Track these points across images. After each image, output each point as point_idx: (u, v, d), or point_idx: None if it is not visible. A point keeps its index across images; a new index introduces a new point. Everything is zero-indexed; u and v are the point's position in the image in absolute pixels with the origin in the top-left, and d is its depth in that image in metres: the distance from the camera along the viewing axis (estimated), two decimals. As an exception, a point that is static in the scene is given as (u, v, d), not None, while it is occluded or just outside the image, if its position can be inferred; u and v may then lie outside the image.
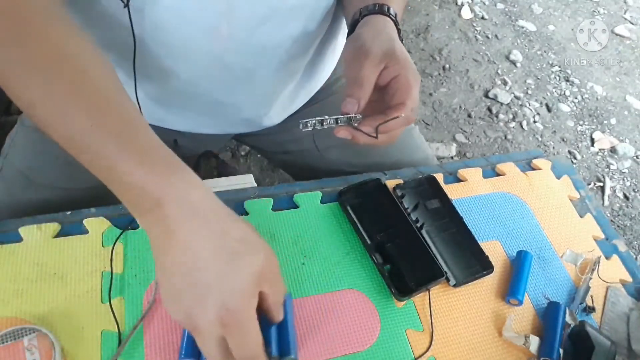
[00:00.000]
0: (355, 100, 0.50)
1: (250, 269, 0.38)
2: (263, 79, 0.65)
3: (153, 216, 0.38)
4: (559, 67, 2.05)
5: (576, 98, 1.95)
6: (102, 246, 0.52)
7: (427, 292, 0.54)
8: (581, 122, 1.88)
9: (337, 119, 0.50)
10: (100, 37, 0.60)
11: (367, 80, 0.50)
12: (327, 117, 0.49)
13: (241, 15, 0.54)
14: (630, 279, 0.61)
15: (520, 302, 0.55)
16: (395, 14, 0.55)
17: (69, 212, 0.55)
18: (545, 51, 2.10)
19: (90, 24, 0.60)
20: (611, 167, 1.77)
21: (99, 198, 0.65)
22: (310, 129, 0.49)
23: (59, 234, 0.53)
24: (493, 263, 0.57)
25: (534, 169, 0.70)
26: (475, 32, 2.12)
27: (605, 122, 1.89)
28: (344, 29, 0.72)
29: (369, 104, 0.51)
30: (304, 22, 0.59)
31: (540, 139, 1.80)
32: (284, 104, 0.74)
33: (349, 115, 0.50)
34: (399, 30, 0.55)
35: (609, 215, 1.64)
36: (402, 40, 0.55)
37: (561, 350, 0.51)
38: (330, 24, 0.66)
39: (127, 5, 0.51)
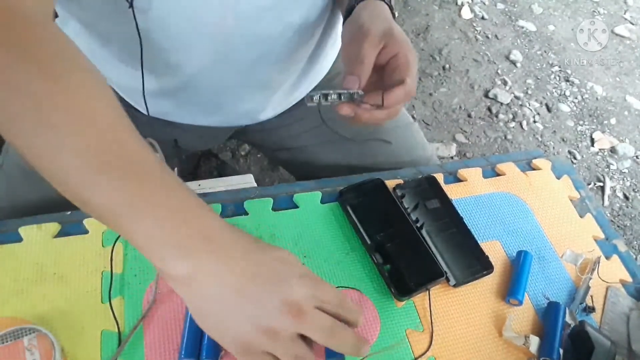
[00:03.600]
0: (356, 78, 0.51)
1: (297, 272, 0.39)
2: (264, 70, 0.65)
3: (179, 269, 0.38)
4: (559, 67, 2.05)
5: (576, 98, 1.95)
6: (102, 246, 0.52)
7: (427, 292, 0.54)
8: (581, 122, 1.88)
9: (340, 94, 0.51)
10: (105, 32, 0.61)
11: (367, 58, 0.51)
12: (331, 91, 0.51)
13: (247, 5, 0.55)
14: (630, 279, 0.61)
15: (520, 302, 0.55)
16: (390, 0, 0.57)
17: (68, 212, 0.55)
18: (545, 51, 2.10)
19: (95, 20, 0.60)
20: (611, 167, 1.77)
21: None
22: (315, 103, 0.51)
23: (59, 234, 0.53)
24: (493, 263, 0.57)
25: (534, 169, 0.70)
26: (475, 32, 2.12)
27: (605, 122, 1.89)
28: (341, 21, 0.73)
29: (368, 84, 0.52)
30: (307, 11, 0.60)
31: (540, 139, 1.80)
32: (284, 95, 0.75)
33: (352, 91, 0.51)
34: (393, 15, 0.56)
35: (609, 215, 1.64)
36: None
37: (561, 351, 0.51)
38: (330, 15, 0.67)
39: (131, 6, 0.50)
